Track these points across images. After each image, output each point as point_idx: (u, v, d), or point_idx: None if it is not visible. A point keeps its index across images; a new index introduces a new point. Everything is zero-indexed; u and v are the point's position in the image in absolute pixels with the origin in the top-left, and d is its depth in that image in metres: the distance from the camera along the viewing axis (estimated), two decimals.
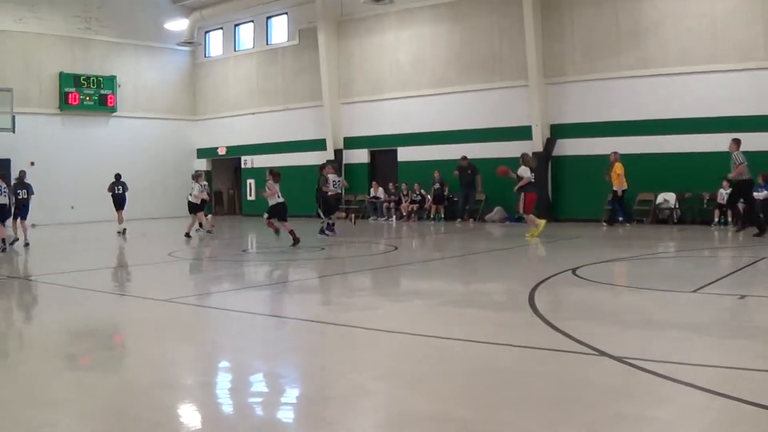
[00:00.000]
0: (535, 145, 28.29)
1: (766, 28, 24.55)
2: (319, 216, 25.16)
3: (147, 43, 39.81)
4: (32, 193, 24.67)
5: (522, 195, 22.45)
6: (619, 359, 7.21)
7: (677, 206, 25.94)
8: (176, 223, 29.63)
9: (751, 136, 22.88)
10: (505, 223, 28.63)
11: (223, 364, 8.18)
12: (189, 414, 6.32)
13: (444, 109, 31.52)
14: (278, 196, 21.86)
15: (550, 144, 28.42)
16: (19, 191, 24.32)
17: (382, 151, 34.61)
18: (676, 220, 25.80)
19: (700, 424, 5.50)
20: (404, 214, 31.59)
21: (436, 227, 28.43)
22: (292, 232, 21.47)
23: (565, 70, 28.26)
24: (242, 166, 40.63)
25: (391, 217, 32.20)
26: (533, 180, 22.37)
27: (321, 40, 35.27)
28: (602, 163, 25.87)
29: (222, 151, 41.30)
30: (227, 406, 6.52)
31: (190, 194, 26.63)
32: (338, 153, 35.36)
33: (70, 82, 36.84)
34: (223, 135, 40.94)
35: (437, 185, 30.48)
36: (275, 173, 22.23)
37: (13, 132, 33.17)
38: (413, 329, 9.19)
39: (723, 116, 24.82)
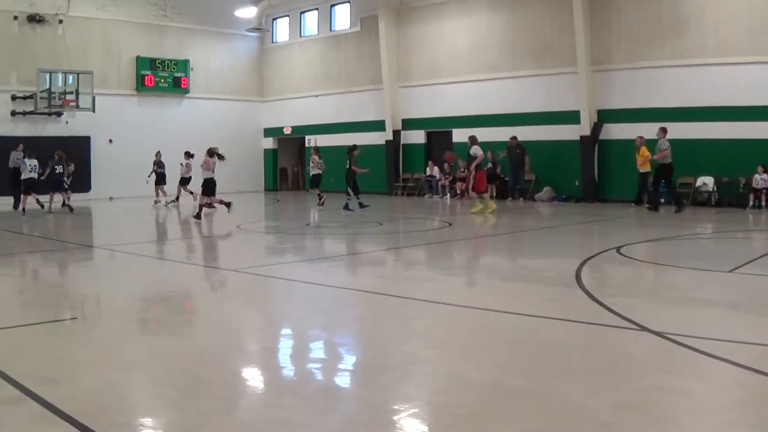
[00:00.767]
0: (583, 129, 28.11)
1: None
2: (348, 194, 25.14)
3: (218, 29, 39.96)
4: (68, 169, 27.49)
5: (473, 173, 23.40)
6: (660, 334, 7.21)
7: (715, 190, 25.63)
8: (246, 198, 29.75)
9: None
10: (553, 202, 28.50)
11: (286, 331, 8.28)
12: (254, 378, 6.44)
13: (497, 94, 31.33)
14: (212, 172, 22.65)
15: (597, 128, 28.20)
16: (56, 167, 26.58)
17: (438, 132, 34.49)
18: (714, 203, 25.57)
19: (735, 399, 5.49)
20: (458, 192, 31.49)
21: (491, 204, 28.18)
22: (201, 207, 22.74)
23: (611, 57, 27.98)
24: (306, 144, 40.44)
25: (446, 194, 32.18)
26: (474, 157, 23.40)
27: (381, 27, 35.17)
28: (646, 147, 25.72)
29: (287, 131, 41.27)
30: (290, 371, 6.62)
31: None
32: (396, 134, 35.34)
33: (146, 65, 37.11)
34: (289, 115, 40.93)
35: (490, 165, 30.37)
36: (211, 152, 23.12)
37: (93, 112, 33.39)
38: (466, 302, 9.24)
39: (760, 105, 24.46)
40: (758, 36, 24.62)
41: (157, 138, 34.90)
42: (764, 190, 24.07)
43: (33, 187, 26.57)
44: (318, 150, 26.63)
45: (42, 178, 26.70)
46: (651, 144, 24.92)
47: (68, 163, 27.84)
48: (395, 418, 5.20)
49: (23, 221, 23.57)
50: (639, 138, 25.32)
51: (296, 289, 10.89)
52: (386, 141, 35.28)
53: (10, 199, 28.53)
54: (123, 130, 35.77)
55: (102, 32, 35.50)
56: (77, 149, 32.57)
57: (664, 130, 24.26)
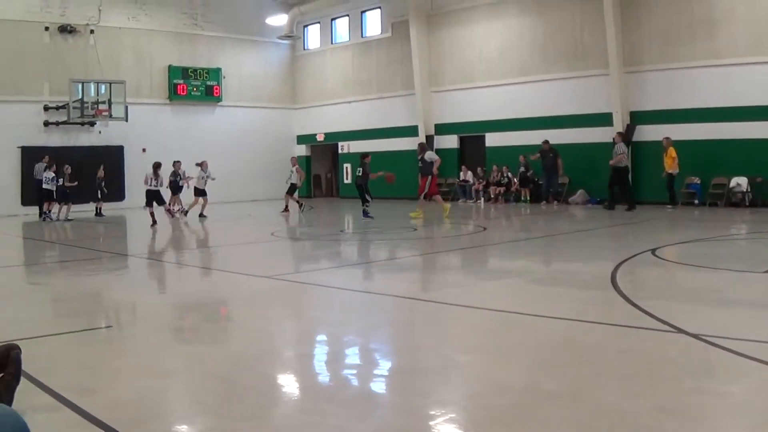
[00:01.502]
0: (616, 131, 28.00)
1: None
2: (366, 201, 24.99)
3: (249, 37, 40.20)
4: (63, 181, 27.88)
5: (429, 178, 23.79)
6: (696, 336, 7.16)
7: (749, 190, 25.46)
8: (279, 205, 29.77)
9: None
10: (587, 205, 28.40)
11: (322, 337, 8.31)
12: (290, 384, 6.46)
13: (529, 97, 31.29)
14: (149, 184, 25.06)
15: (629, 130, 28.10)
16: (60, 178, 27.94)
17: (471, 136, 34.48)
18: (747, 204, 25.41)
19: None
20: (492, 196, 31.45)
21: (522, 209, 28.35)
22: (152, 214, 24.42)
23: (643, 59, 27.86)
24: (339, 151, 40.66)
25: (480, 199, 32.15)
26: (421, 164, 24.13)
27: (413, 32, 35.21)
28: (679, 148, 25.63)
29: (320, 138, 41.42)
30: (325, 376, 6.62)
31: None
32: (429, 139, 35.25)
33: (178, 74, 37.44)
34: (321, 122, 41.08)
35: (522, 169, 30.30)
36: (155, 165, 25.43)
37: (126, 121, 33.45)
38: (501, 306, 9.23)
39: None
40: None
41: (191, 146, 35.32)
42: None
43: (49, 197, 27.80)
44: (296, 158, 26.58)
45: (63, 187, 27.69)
46: (678, 145, 25.02)
47: (66, 173, 28.25)
48: (432, 423, 5.19)
49: (52, 230, 24.06)
50: (665, 139, 25.51)
51: (331, 295, 10.89)
52: (421, 143, 35.25)
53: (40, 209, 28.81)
54: (156, 139, 35.95)
55: (133, 42, 35.88)
56: (111, 159, 33.07)
57: (620, 135, 26.71)
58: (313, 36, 42.05)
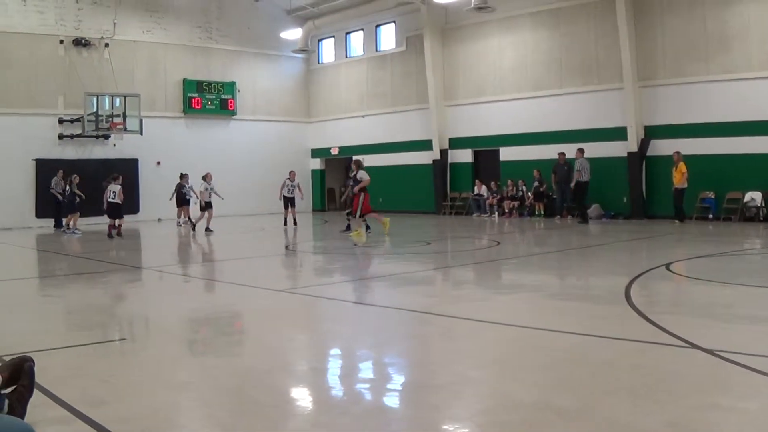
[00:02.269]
0: (630, 145, 28.02)
1: None
2: (350, 217, 24.77)
3: (264, 51, 40.41)
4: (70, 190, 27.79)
5: (361, 196, 23.54)
6: (710, 352, 7.12)
7: (764, 205, 25.41)
8: (306, 216, 29.87)
9: None
10: (601, 219, 28.35)
11: (335, 351, 8.27)
12: (303, 397, 6.44)
13: (543, 111, 31.34)
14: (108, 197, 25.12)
15: (644, 144, 28.06)
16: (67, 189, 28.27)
17: (485, 150, 34.48)
18: (762, 218, 25.34)
19: None
20: (506, 210, 31.43)
21: (536, 223, 28.35)
22: (114, 227, 24.85)
23: (657, 73, 27.85)
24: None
25: (493, 213, 32.13)
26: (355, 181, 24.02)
27: (427, 46, 35.30)
28: (694, 163, 25.75)
29: (335, 151, 41.52)
30: (338, 390, 6.59)
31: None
32: (444, 153, 35.41)
33: (193, 87, 37.65)
34: (336, 136, 41.22)
35: (536, 183, 30.26)
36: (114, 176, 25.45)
37: (141, 134, 33.93)
38: (515, 321, 9.19)
39: None
40: None
41: (205, 159, 35.51)
42: None
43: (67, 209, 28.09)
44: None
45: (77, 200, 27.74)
46: (692, 160, 25.10)
47: (73, 182, 28.08)
48: None
49: (66, 242, 24.31)
50: (676, 153, 25.57)
51: (344, 309, 10.92)
52: (433, 160, 35.37)
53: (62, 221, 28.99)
54: (170, 153, 36.27)
55: (148, 55, 36.11)
56: (125, 172, 32.77)
57: (581, 151, 27.89)
58: (328, 50, 42.19)
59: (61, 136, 33.77)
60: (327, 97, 41.96)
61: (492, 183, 32.86)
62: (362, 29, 39.77)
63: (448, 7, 34.53)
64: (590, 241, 21.37)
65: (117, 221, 25.18)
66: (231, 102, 38.88)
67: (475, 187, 33.73)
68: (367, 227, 23.90)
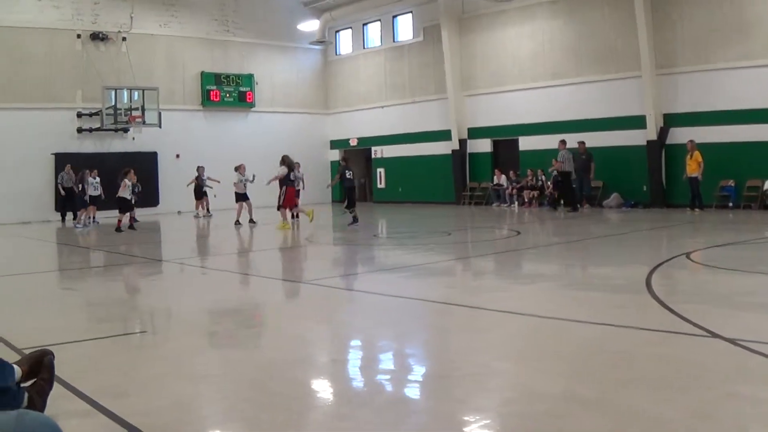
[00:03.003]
0: (649, 133, 27.92)
1: None
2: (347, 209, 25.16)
3: (281, 43, 40.44)
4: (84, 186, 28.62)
5: (283, 189, 24.74)
6: (732, 341, 7.07)
7: None
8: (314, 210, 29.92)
9: None
10: (621, 208, 28.31)
11: (356, 342, 8.25)
12: (324, 389, 6.43)
13: (561, 100, 31.28)
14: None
15: (663, 133, 27.95)
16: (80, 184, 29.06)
17: (505, 140, 34.41)
18: None
19: None
20: (526, 200, 31.39)
21: (555, 213, 28.23)
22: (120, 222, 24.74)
23: (675, 61, 27.71)
24: (373, 156, 40.83)
25: (513, 203, 32.10)
26: (291, 178, 25.16)
27: (444, 36, 35.26)
28: (713, 150, 25.83)
29: (354, 143, 41.56)
30: (359, 382, 6.58)
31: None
32: (462, 143, 35.44)
33: (211, 80, 37.74)
34: (354, 127, 41.26)
35: (555, 172, 30.14)
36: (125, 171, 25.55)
37: (160, 127, 33.95)
38: (536, 311, 9.13)
39: None
40: None
41: (224, 152, 35.87)
42: None
43: (93, 203, 28.68)
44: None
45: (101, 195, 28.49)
46: (711, 147, 25.40)
47: (81, 178, 29.09)
48: (466, 429, 5.17)
49: (86, 235, 24.67)
50: (690, 142, 25.63)
51: (365, 300, 10.91)
52: (452, 150, 35.34)
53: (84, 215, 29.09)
54: (190, 145, 36.41)
55: (166, 48, 36.21)
56: (144, 165, 33.28)
57: (563, 143, 28.96)
58: (345, 41, 42.22)
59: (79, 130, 33.88)
60: (345, 88, 41.96)
61: (511, 172, 32.82)
62: (379, 20, 39.72)
63: None
64: (610, 230, 21.30)
65: (122, 215, 25.27)
66: (249, 94, 38.94)
67: (495, 177, 33.72)
68: (355, 219, 24.30)
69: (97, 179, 28.27)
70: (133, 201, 25.79)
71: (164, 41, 36.31)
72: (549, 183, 30.65)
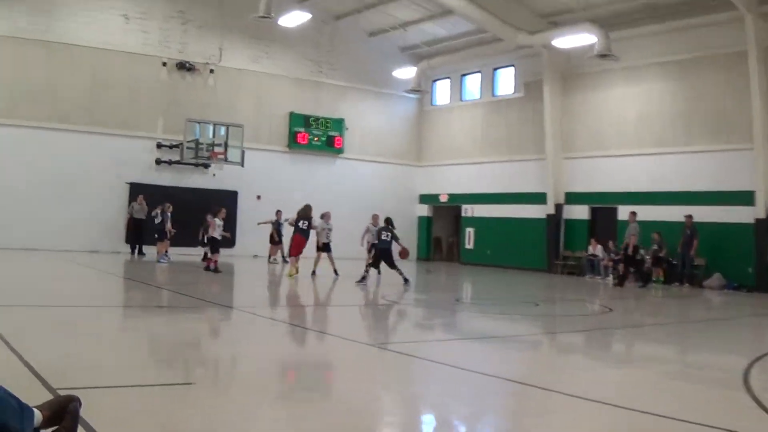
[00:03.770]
0: (758, 211, 27.40)
1: None
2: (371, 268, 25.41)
3: (375, 88, 40.68)
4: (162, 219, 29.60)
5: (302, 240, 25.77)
6: None
7: None
8: (407, 264, 29.84)
9: None
10: (723, 290, 27.67)
11: (422, 417, 8.04)
12: None
13: (666, 169, 30.80)
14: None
15: None
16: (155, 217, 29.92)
17: (603, 208, 34.04)
18: None
19: None
20: (621, 273, 30.80)
21: (653, 290, 27.69)
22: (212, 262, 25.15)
23: None
24: (463, 214, 40.45)
25: (608, 276, 31.57)
26: (301, 226, 25.92)
27: (546, 92, 35.14)
28: None
29: (444, 198, 41.39)
30: None
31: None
32: (558, 207, 35.18)
33: (300, 122, 38.09)
34: (446, 182, 41.14)
35: (656, 247, 29.54)
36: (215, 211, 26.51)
37: (242, 166, 34.17)
38: (618, 400, 8.78)
39: None
40: None
41: (307, 197, 34.07)
42: None
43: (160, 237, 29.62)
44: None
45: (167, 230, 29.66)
46: None
47: (162, 211, 29.93)
48: None
49: (156, 271, 25.50)
50: None
51: (437, 371, 10.57)
52: (547, 215, 34.97)
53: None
54: (272, 187, 36.78)
55: (254, 85, 36.85)
56: (223, 204, 33.01)
57: (634, 214, 29.59)
58: (442, 91, 42.28)
59: (158, 162, 34.47)
60: (439, 140, 41.92)
61: (609, 243, 32.28)
62: (479, 71, 39.76)
63: (571, 53, 34.26)
64: (709, 313, 20.90)
65: (213, 256, 25.42)
66: (338, 139, 39.18)
67: (590, 247, 33.26)
68: (405, 280, 24.10)
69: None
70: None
71: (253, 77, 36.82)
72: (647, 257, 29.80)
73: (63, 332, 11.68)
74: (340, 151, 39.40)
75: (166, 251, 29.45)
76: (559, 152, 35.33)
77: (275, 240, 32.53)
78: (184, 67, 34.90)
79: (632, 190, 32.04)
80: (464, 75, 40.85)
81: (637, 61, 32.14)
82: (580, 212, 35.06)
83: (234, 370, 9.97)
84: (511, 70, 38.26)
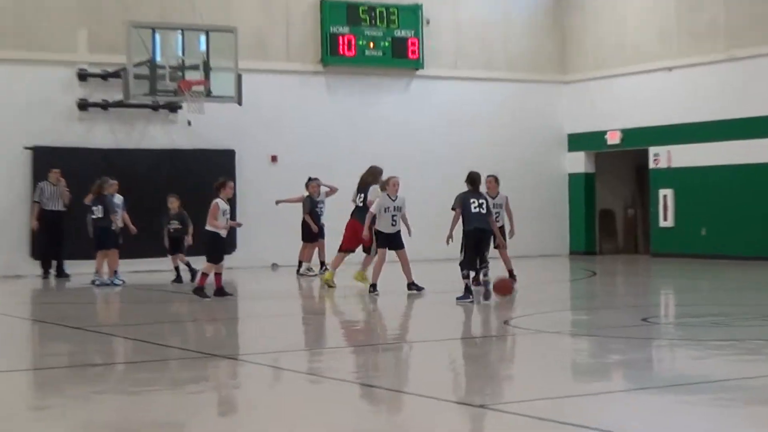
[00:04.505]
0: None
1: None
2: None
3: None
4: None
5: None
6: None
7: None
8: (531, 268, 30.57)
9: None
10: None
11: None
12: None
13: None
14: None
15: None
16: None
17: None
18: None
19: None
20: None
21: None
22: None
23: None
24: (651, 165, 39.25)
25: None
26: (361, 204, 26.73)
27: None
28: None
29: (613, 139, 39.68)
30: None
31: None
32: None
33: (340, 15, 37.32)
34: (616, 109, 39.72)
35: None
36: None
37: (239, 104, 33.27)
38: None
39: None
40: None
41: (359, 153, 34.70)
42: None
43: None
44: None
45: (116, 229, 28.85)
46: None
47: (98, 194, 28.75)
48: None
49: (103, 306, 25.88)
50: None
51: None
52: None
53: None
54: (296, 139, 36.10)
55: None
56: (213, 172, 30.66)
57: None
58: None
59: (83, 105, 33.50)
60: (597, 37, 41.02)
61: None
62: None
63: None
64: None
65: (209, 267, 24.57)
66: (413, 43, 38.05)
67: None
68: (418, 287, 24.85)
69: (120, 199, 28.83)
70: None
71: None
72: None
73: None
74: (416, 64, 38.10)
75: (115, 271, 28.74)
76: None
77: (311, 233, 31.33)
78: None
79: None
80: None
81: None
82: None
83: None
84: None
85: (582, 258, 39.37)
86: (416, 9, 37.88)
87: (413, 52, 37.84)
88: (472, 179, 23.90)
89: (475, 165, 29.86)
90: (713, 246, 35.74)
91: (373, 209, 25.27)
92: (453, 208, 23.77)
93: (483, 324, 20.97)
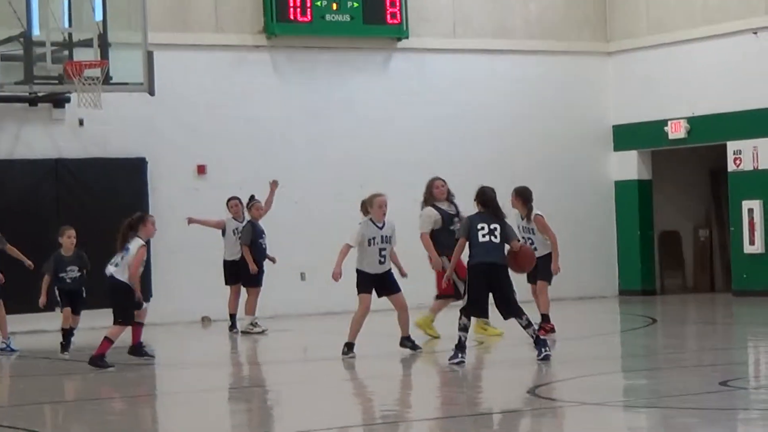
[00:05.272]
0: None
1: None
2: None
3: None
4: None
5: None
6: None
7: None
8: (567, 312, 31.75)
9: None
10: None
11: None
12: None
13: None
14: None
15: None
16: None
17: None
18: None
19: None
20: None
21: None
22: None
23: None
24: (731, 167, 38.92)
25: None
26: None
27: None
28: None
29: (677, 131, 39.10)
30: None
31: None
32: None
33: None
34: (679, 90, 39.77)
35: None
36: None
37: (152, 94, 33.33)
38: None
39: None
40: None
41: (319, 157, 37.17)
42: None
43: None
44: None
45: None
46: None
47: None
48: None
49: None
50: None
51: None
52: None
53: None
54: (230, 140, 36.67)
55: None
56: (110, 193, 31.67)
57: None
58: None
59: None
60: None
61: None
62: None
63: None
64: None
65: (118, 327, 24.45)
66: (392, 3, 38.09)
67: None
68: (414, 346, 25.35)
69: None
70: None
71: None
72: None
73: None
74: (398, 32, 38.25)
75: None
76: None
77: (253, 275, 31.12)
78: None
79: None
80: None
81: None
82: None
83: None
84: None
85: (637, 299, 39.42)
86: None
87: (393, 15, 37.70)
88: (484, 198, 23.36)
89: (484, 174, 30.41)
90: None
91: (351, 240, 25.03)
92: (456, 237, 23.88)
93: (501, 393, 19.83)
